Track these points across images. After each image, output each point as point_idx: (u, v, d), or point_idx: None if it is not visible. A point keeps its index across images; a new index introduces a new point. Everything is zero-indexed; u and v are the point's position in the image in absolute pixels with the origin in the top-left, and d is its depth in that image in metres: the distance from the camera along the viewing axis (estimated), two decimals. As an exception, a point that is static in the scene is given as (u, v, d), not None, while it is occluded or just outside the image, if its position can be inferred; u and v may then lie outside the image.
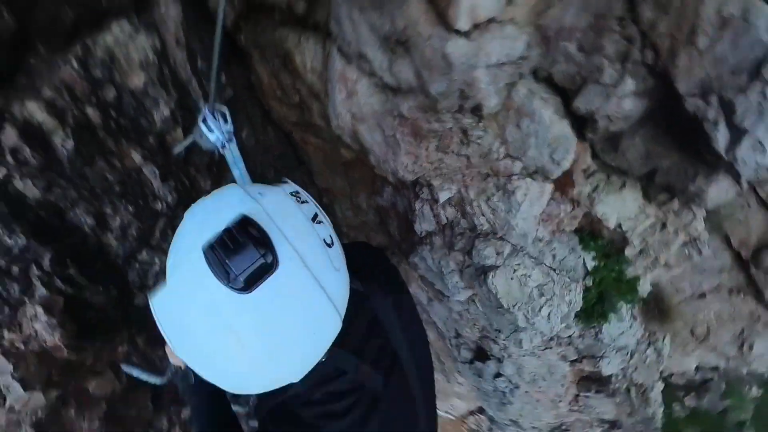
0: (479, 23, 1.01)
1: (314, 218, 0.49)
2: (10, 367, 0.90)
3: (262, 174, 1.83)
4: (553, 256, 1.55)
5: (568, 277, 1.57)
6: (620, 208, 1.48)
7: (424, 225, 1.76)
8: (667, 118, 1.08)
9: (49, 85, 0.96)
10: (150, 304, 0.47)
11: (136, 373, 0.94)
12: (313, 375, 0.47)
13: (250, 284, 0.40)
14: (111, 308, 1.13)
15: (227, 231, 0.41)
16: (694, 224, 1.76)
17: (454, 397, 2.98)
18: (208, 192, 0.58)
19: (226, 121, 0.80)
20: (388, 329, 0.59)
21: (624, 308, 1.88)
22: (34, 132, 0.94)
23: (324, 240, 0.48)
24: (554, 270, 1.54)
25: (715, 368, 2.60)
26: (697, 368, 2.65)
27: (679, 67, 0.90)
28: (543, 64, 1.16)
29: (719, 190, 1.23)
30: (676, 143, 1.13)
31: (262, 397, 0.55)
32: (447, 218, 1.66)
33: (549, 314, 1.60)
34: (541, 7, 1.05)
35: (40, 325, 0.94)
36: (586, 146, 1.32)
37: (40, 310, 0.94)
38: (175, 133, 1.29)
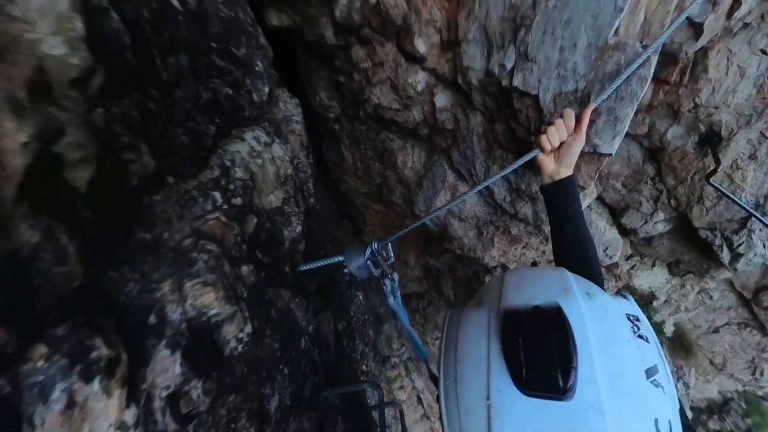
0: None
1: (650, 372, 0.38)
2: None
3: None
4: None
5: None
6: (651, 280, 1.97)
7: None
8: (688, 232, 1.59)
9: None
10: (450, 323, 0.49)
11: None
12: None
13: (528, 389, 0.36)
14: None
15: (535, 312, 0.37)
16: (706, 280, 2.26)
17: None
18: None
19: (388, 256, 0.91)
20: None
21: (658, 351, 2.34)
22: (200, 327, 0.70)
23: (657, 420, 0.35)
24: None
25: (734, 392, 3.01)
26: (718, 393, 3.06)
27: (693, 214, 1.42)
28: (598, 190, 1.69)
29: (726, 272, 1.73)
30: (695, 246, 1.64)
31: None
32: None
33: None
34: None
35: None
36: (627, 241, 1.83)
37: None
38: (299, 246, 1.16)
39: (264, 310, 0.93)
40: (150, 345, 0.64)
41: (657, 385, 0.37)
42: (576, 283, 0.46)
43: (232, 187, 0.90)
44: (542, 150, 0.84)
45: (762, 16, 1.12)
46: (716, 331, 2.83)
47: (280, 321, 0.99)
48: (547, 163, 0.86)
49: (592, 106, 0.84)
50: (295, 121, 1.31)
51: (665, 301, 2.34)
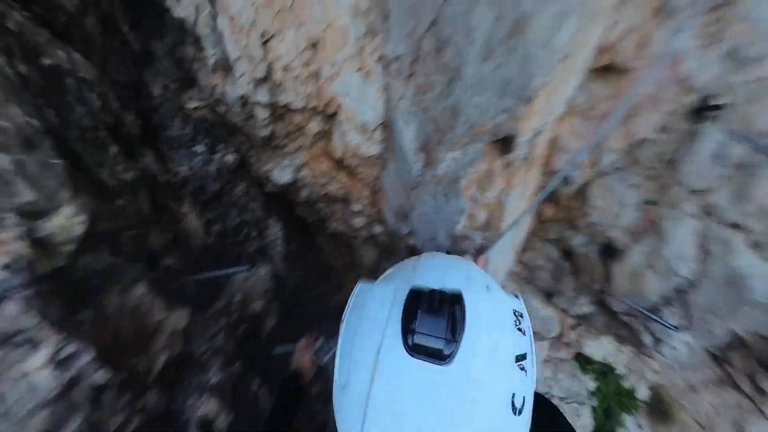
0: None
1: (519, 358, 0.44)
2: None
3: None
4: (560, 386, 2.16)
5: (576, 402, 2.15)
6: (602, 348, 2.12)
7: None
8: (614, 313, 1.77)
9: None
10: (355, 288, 0.52)
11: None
12: None
13: (414, 351, 0.40)
14: None
15: (438, 292, 0.42)
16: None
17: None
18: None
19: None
20: None
21: (629, 420, 2.37)
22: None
23: (514, 395, 0.42)
24: (563, 399, 2.13)
25: (724, 452, 2.93)
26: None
27: (610, 302, 1.62)
28: (529, 278, 1.91)
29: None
30: (626, 326, 1.81)
31: None
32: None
33: None
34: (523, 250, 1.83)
35: None
36: (566, 316, 2.02)
37: None
38: (276, 333, 1.63)
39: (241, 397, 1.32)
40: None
41: (522, 369, 0.44)
42: (480, 276, 0.52)
43: (233, 308, 1.38)
44: None
45: (635, 161, 1.36)
46: (694, 389, 2.84)
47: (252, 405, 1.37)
48: None
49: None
50: (278, 242, 1.80)
51: (629, 369, 2.42)
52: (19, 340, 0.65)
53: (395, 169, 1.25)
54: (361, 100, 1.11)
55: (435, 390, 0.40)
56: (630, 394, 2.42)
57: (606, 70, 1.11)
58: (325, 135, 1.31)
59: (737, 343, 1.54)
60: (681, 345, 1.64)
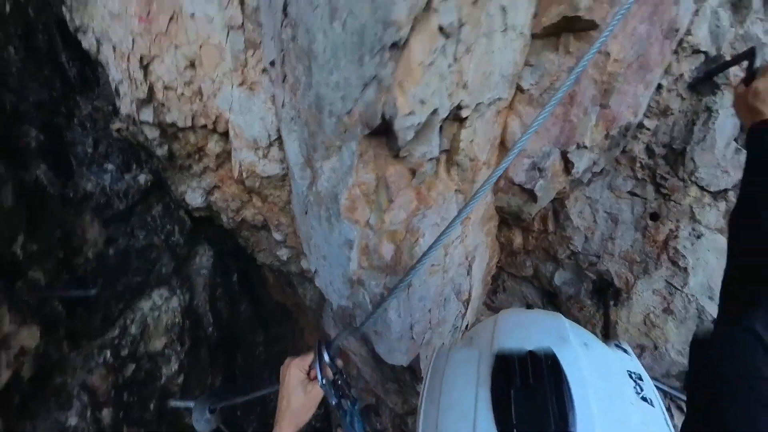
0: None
1: None
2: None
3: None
4: None
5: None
6: None
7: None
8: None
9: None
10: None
11: None
12: None
13: None
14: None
15: (529, 359, 0.35)
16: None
17: None
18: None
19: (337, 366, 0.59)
20: None
21: None
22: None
23: None
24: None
25: None
26: None
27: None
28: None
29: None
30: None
31: None
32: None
33: None
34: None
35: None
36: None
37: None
38: (177, 380, 1.43)
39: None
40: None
41: None
42: (572, 330, 0.42)
43: (124, 342, 1.24)
44: None
45: (617, 160, 0.96)
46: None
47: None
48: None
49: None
50: (203, 271, 1.63)
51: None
52: None
53: (293, 190, 0.97)
54: (245, 113, 0.96)
55: None
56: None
57: (565, 30, 0.76)
58: (227, 155, 1.19)
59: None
60: None
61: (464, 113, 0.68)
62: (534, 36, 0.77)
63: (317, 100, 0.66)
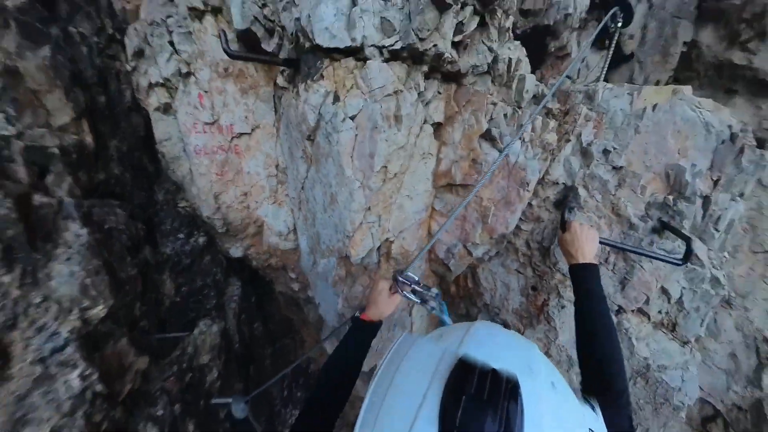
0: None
1: None
2: None
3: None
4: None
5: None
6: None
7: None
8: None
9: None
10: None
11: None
12: None
13: None
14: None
15: (490, 374, 0.35)
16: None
17: None
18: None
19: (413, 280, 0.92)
20: None
21: None
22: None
23: None
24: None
25: None
26: None
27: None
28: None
29: None
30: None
31: None
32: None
33: None
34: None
35: None
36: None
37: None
38: (216, 385, 1.88)
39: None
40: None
41: None
42: (545, 366, 0.42)
43: (184, 359, 1.80)
44: None
45: (506, 248, 1.49)
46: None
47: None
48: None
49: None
50: (235, 298, 2.22)
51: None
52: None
53: (302, 261, 1.67)
54: (275, 218, 1.65)
55: None
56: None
57: (451, 186, 1.36)
58: (258, 232, 1.85)
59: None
60: None
61: (391, 239, 1.32)
62: (436, 188, 1.38)
63: (318, 234, 1.34)
